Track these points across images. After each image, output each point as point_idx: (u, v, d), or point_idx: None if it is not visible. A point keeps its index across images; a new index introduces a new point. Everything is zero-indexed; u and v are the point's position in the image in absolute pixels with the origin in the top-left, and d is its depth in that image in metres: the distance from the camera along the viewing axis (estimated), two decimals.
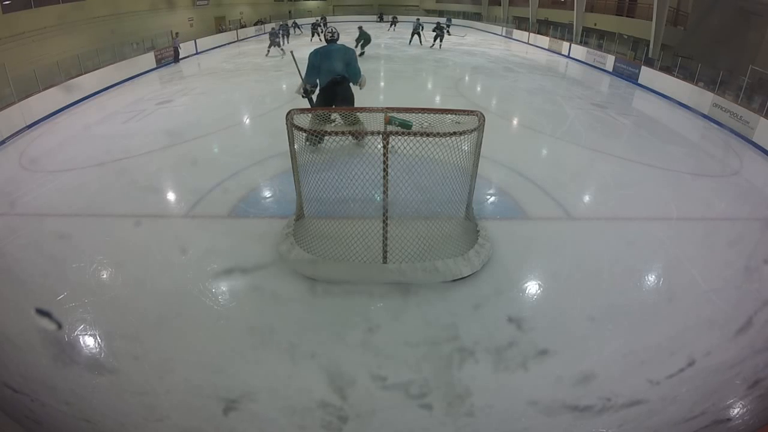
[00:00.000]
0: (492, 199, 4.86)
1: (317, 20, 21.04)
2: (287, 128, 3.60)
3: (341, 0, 30.79)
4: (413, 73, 12.54)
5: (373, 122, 3.74)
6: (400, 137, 3.26)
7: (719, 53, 11.83)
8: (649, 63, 12.29)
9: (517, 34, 20.91)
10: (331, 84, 5.48)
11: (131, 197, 4.89)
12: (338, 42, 5.70)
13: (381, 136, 3.22)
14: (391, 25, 24.66)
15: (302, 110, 3.72)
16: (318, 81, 5.61)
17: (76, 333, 3.02)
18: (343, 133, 3.27)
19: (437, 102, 9.17)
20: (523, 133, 7.52)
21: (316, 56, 5.48)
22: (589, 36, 16.57)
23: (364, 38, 14.12)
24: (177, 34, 15.10)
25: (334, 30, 5.68)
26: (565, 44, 16.69)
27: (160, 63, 13.54)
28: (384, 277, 3.47)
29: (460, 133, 3.36)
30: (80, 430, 2.25)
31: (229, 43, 18.05)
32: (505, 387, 2.67)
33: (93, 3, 13.94)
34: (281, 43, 15.24)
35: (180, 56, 14.63)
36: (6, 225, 4.53)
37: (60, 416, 2.31)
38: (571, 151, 6.63)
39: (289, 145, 3.70)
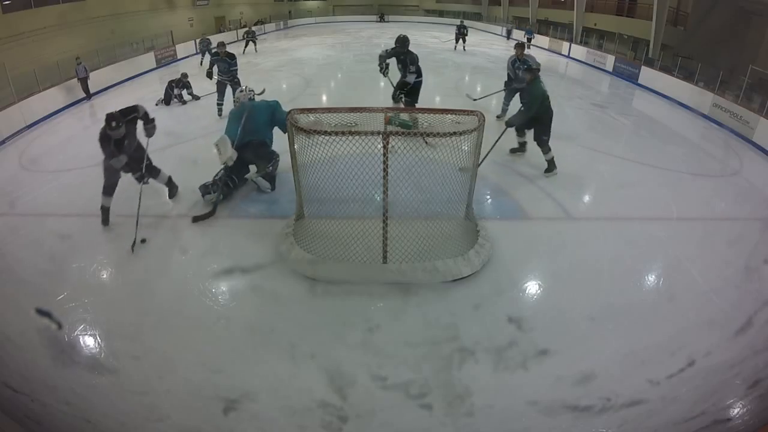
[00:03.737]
0: (492, 199, 4.86)
1: (248, 29, 16.49)
2: (287, 128, 3.60)
3: (341, 0, 30.80)
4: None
5: (373, 122, 3.74)
6: (400, 137, 3.26)
7: (719, 53, 11.84)
8: (649, 63, 12.28)
9: (518, 34, 20.87)
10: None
11: (131, 197, 4.88)
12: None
13: (381, 136, 3.22)
14: (457, 40, 16.11)
15: (302, 110, 3.72)
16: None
17: (76, 333, 3.03)
18: (343, 133, 3.26)
19: (437, 102, 9.17)
20: None
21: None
22: (589, 36, 16.56)
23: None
24: (78, 59, 9.56)
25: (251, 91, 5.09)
26: (565, 44, 16.68)
27: (160, 63, 13.52)
28: (384, 277, 3.47)
29: (460, 133, 3.36)
30: (80, 430, 2.25)
31: (229, 43, 18.03)
32: (505, 387, 2.67)
33: (93, 3, 13.95)
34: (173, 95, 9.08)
35: (92, 91, 9.84)
36: (6, 225, 4.53)
37: (60, 416, 2.31)
38: (571, 151, 6.62)
39: (289, 145, 3.70)
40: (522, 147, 5.94)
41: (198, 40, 14.37)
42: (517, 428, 2.46)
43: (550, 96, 5.25)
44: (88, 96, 9.90)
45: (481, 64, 13.82)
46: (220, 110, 7.87)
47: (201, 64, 13.04)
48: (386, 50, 6.17)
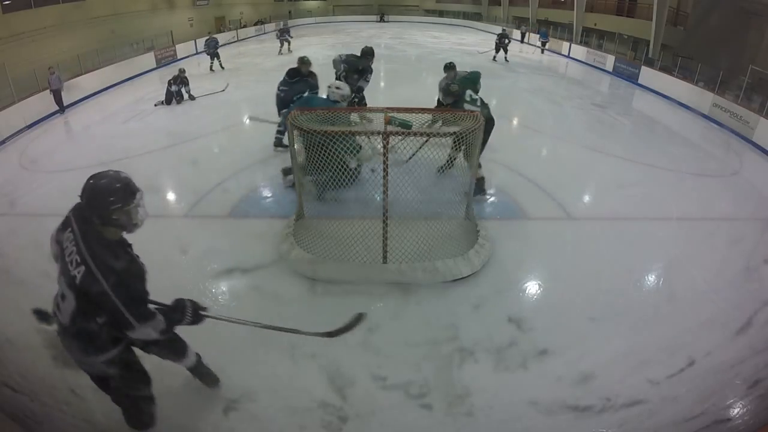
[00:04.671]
0: (492, 199, 4.86)
1: (283, 24, 15.91)
2: (287, 128, 3.60)
3: (341, 0, 30.80)
4: (413, 73, 12.53)
5: (373, 122, 3.75)
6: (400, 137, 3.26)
7: (719, 53, 11.84)
8: (649, 63, 12.29)
9: (518, 34, 20.87)
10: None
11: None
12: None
13: (381, 136, 3.22)
14: (498, 50, 14.07)
15: (302, 110, 3.72)
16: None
17: None
18: (343, 133, 3.27)
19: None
20: (523, 133, 7.52)
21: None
22: (589, 36, 16.57)
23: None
24: (51, 69, 8.45)
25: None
26: (565, 44, 16.68)
27: (160, 63, 13.51)
28: (384, 277, 3.47)
29: (460, 133, 3.36)
30: (80, 430, 2.25)
31: (229, 43, 18.05)
32: (505, 387, 2.66)
33: (93, 3, 13.96)
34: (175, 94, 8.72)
35: (65, 103, 8.77)
36: (6, 225, 4.53)
37: (60, 416, 2.31)
38: (571, 151, 6.62)
39: (290, 145, 3.70)
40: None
41: (206, 39, 12.83)
42: (517, 428, 2.46)
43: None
44: (62, 109, 8.78)
45: (481, 64, 13.81)
46: (279, 140, 5.87)
47: (212, 69, 12.23)
48: (341, 56, 6.23)
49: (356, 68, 6.15)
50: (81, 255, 1.62)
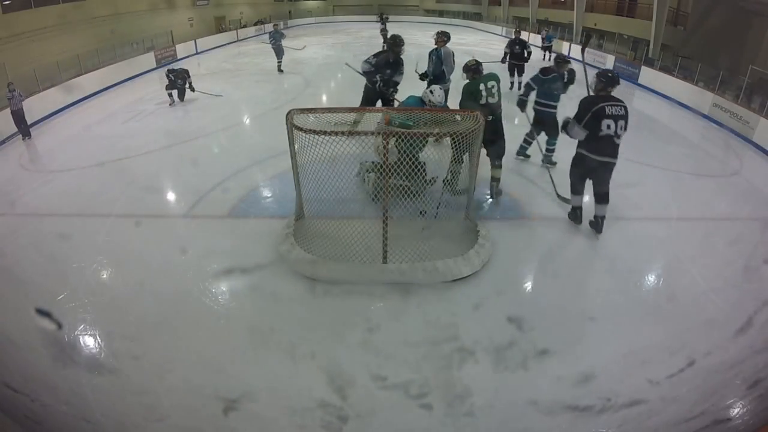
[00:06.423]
0: (492, 199, 4.86)
1: (384, 16, 14.15)
2: (287, 128, 3.60)
3: (341, 0, 30.78)
4: (413, 73, 12.52)
5: (374, 122, 3.75)
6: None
7: (719, 53, 11.83)
8: (649, 63, 12.28)
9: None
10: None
11: (131, 197, 4.89)
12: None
13: (381, 136, 3.22)
14: (517, 66, 9.16)
15: (302, 110, 3.72)
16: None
17: (76, 333, 3.03)
18: (343, 133, 3.27)
19: None
20: (523, 133, 7.50)
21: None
22: (589, 36, 16.54)
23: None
24: (11, 84, 7.02)
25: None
26: (565, 44, 16.67)
27: (160, 63, 13.51)
28: (384, 277, 3.47)
29: (459, 132, 3.36)
30: (80, 430, 2.25)
31: (229, 43, 18.05)
32: (505, 387, 2.67)
33: (93, 3, 13.96)
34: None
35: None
36: (6, 225, 4.53)
37: (60, 416, 2.31)
38: (570, 151, 6.59)
39: (289, 145, 3.70)
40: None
41: (270, 32, 11.01)
42: (517, 428, 2.46)
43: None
44: (26, 133, 7.31)
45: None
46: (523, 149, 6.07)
47: (280, 70, 10.85)
48: (369, 60, 6.21)
49: (386, 62, 6.10)
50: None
